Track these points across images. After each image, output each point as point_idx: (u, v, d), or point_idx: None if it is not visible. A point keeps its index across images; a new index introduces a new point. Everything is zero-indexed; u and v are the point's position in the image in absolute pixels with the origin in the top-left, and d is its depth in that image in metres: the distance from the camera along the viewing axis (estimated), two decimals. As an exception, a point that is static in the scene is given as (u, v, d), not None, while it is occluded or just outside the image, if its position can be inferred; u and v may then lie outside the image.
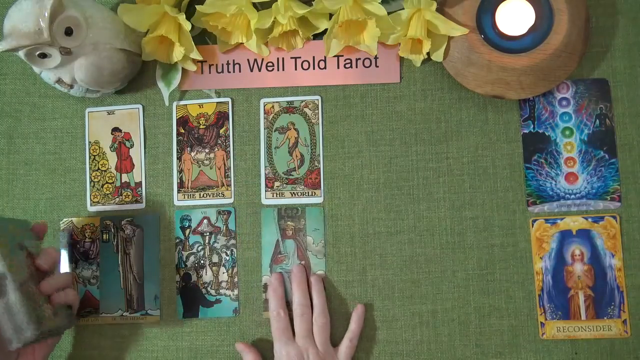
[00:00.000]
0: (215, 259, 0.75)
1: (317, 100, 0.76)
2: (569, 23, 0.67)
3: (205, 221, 0.75)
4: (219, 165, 0.76)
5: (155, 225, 0.76)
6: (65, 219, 0.77)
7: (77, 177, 0.78)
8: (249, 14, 0.71)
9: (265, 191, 0.75)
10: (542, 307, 0.71)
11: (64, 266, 0.76)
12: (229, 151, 0.76)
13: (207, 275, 0.75)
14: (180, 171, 0.76)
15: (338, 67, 0.75)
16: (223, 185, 0.76)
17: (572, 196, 0.71)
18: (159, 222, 0.76)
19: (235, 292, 0.74)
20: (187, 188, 0.76)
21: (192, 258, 0.75)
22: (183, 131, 0.77)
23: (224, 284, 0.75)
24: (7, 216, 0.78)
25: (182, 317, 0.75)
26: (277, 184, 0.75)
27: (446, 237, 0.73)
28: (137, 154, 0.77)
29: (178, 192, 0.76)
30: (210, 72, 0.77)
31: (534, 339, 0.71)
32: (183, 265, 0.75)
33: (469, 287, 0.72)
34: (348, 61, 0.75)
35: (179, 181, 0.76)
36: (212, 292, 0.75)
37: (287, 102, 0.76)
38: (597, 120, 0.72)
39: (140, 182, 0.77)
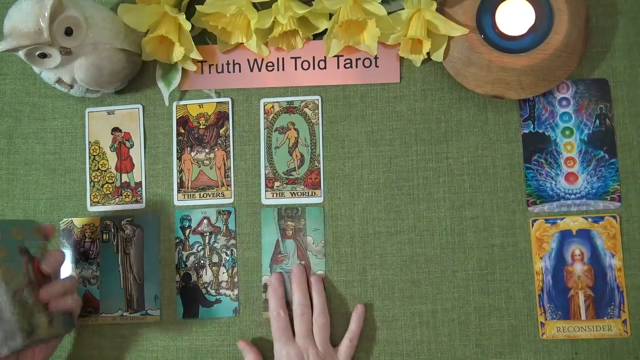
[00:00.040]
0: (215, 259, 0.75)
1: (317, 100, 0.76)
2: (569, 23, 0.67)
3: (205, 221, 0.75)
4: (219, 165, 0.76)
5: (155, 225, 0.76)
6: (65, 219, 0.77)
7: (77, 177, 0.78)
8: (249, 14, 0.71)
9: (265, 191, 0.75)
10: (542, 307, 0.71)
11: (67, 268, 0.76)
12: (229, 151, 0.76)
13: (207, 275, 0.75)
14: (180, 171, 0.77)
15: (338, 67, 0.75)
16: (223, 185, 0.76)
17: (572, 196, 0.71)
18: (159, 222, 0.76)
19: (235, 292, 0.74)
20: (187, 188, 0.76)
21: (192, 258, 0.75)
22: (183, 131, 0.77)
23: (224, 284, 0.75)
24: (11, 217, 0.78)
25: (182, 317, 0.75)
26: (277, 184, 0.75)
27: (446, 237, 0.73)
28: (137, 154, 0.77)
29: (178, 192, 0.76)
30: (210, 72, 0.77)
31: (534, 339, 0.71)
32: (183, 265, 0.75)
33: (469, 287, 0.72)
34: (348, 61, 0.75)
35: (179, 181, 0.76)
36: (212, 292, 0.75)
37: (287, 102, 0.76)
38: (597, 120, 0.72)
39: (140, 182, 0.77)
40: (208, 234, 0.75)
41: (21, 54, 0.67)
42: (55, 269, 0.66)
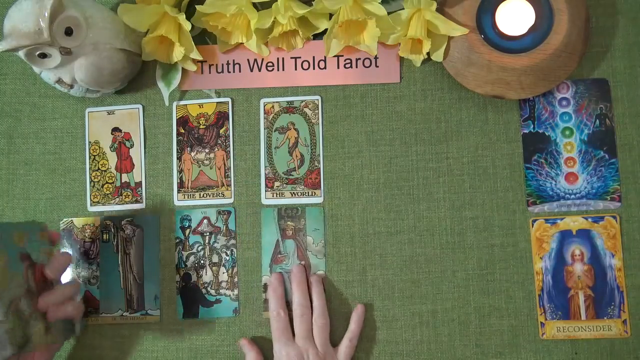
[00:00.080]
0: (215, 259, 0.75)
1: (317, 100, 0.76)
2: (569, 23, 0.67)
3: (205, 221, 0.75)
4: (219, 165, 0.76)
5: (155, 225, 0.76)
6: (65, 219, 0.77)
7: (77, 177, 0.78)
8: (249, 14, 0.71)
9: (265, 191, 0.75)
10: (542, 307, 0.71)
11: (68, 270, 0.75)
12: (229, 151, 0.76)
13: (207, 275, 0.75)
14: (180, 171, 0.77)
15: (338, 67, 0.75)
16: (223, 185, 0.76)
17: (572, 196, 0.71)
18: (159, 222, 0.76)
19: (235, 292, 0.74)
20: (187, 188, 0.76)
21: (192, 258, 0.75)
22: (183, 131, 0.77)
23: (224, 284, 0.75)
24: (10, 217, 0.78)
25: (182, 317, 0.75)
26: (277, 184, 0.75)
27: (446, 237, 0.73)
28: (137, 154, 0.77)
29: (178, 192, 0.76)
30: (210, 72, 0.77)
31: (534, 339, 0.71)
32: (183, 265, 0.75)
33: (469, 287, 0.72)
34: (348, 61, 0.75)
35: (179, 181, 0.76)
36: (212, 292, 0.75)
37: (287, 102, 0.76)
38: (597, 120, 0.72)
39: (140, 182, 0.77)
40: (208, 234, 0.75)
41: (21, 54, 0.67)
42: (58, 274, 0.66)
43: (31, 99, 0.79)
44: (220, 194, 0.76)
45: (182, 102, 0.77)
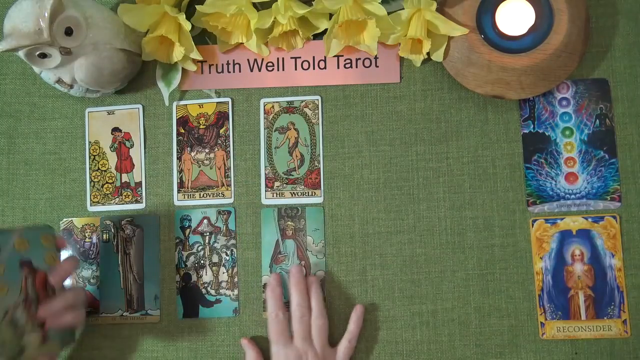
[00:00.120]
0: (215, 259, 0.75)
1: (317, 100, 0.76)
2: (569, 23, 0.67)
3: (205, 221, 0.75)
4: (219, 165, 0.76)
5: (155, 225, 0.76)
6: (65, 219, 0.77)
7: (77, 177, 0.78)
8: (249, 14, 0.71)
9: (265, 191, 0.75)
10: (542, 307, 0.71)
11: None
12: (229, 151, 0.76)
13: (207, 275, 0.75)
14: (180, 171, 0.76)
15: (338, 67, 0.75)
16: (223, 185, 0.76)
17: (572, 196, 0.71)
18: (159, 222, 0.76)
19: (235, 292, 0.74)
20: (187, 188, 0.76)
21: (192, 258, 0.75)
22: (183, 131, 0.77)
23: (224, 284, 0.75)
24: (10, 217, 0.77)
25: (182, 317, 0.75)
26: (277, 184, 0.75)
27: (446, 237, 0.73)
28: (137, 154, 0.77)
29: (178, 192, 0.76)
30: (210, 72, 0.77)
31: (534, 339, 0.71)
32: (183, 265, 0.75)
33: (469, 287, 0.72)
34: (348, 61, 0.75)
35: (179, 181, 0.76)
36: (212, 292, 0.75)
37: (287, 102, 0.76)
38: (597, 120, 0.72)
39: (140, 182, 0.77)
40: (208, 234, 0.75)
41: (21, 54, 0.67)
42: (62, 281, 0.65)
43: (31, 99, 0.79)
44: (220, 194, 0.76)
45: (182, 102, 0.77)
